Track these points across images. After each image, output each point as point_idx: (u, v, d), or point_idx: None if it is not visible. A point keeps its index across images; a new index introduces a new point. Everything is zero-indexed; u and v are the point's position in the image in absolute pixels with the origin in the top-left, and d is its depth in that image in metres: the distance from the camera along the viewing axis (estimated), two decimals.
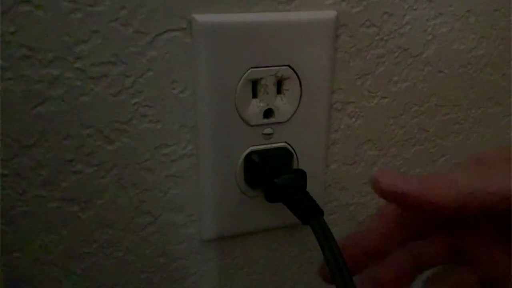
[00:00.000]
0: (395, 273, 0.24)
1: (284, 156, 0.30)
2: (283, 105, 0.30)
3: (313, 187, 0.28)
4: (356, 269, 0.24)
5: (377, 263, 0.24)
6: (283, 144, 0.31)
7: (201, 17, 0.26)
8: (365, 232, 0.24)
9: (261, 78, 0.28)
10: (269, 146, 0.30)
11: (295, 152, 0.31)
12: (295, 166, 0.32)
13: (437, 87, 0.36)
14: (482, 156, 0.24)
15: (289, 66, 0.29)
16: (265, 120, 0.30)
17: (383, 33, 0.32)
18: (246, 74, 0.28)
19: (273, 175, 0.28)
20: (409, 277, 0.24)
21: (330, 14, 0.29)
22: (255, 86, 0.29)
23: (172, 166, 0.30)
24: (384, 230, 0.24)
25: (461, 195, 0.20)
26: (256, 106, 0.29)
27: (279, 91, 0.29)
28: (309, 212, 0.24)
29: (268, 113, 0.30)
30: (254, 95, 0.29)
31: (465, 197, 0.20)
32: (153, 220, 0.31)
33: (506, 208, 0.20)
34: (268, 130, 0.30)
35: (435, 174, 0.21)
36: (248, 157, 0.30)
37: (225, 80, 0.28)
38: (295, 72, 0.29)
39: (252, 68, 0.28)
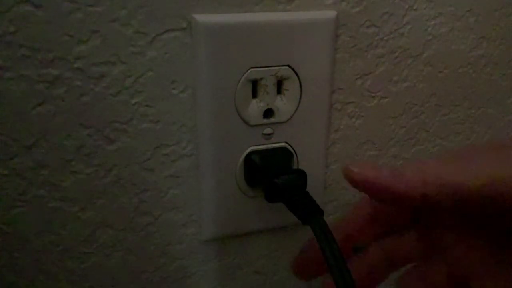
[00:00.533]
0: (367, 270, 0.24)
1: (284, 156, 0.30)
2: (283, 105, 0.30)
3: (313, 187, 0.28)
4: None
5: (350, 258, 0.24)
6: (283, 144, 0.31)
7: (201, 17, 0.26)
8: (340, 225, 0.24)
9: (261, 78, 0.28)
10: (269, 146, 0.30)
11: (295, 152, 0.31)
12: (295, 166, 0.32)
13: (437, 87, 0.36)
14: (467, 147, 0.23)
15: (289, 66, 0.29)
16: (265, 120, 0.30)
17: (383, 33, 0.32)
18: (246, 74, 0.28)
19: (273, 175, 0.28)
20: (382, 274, 0.24)
21: (330, 14, 0.29)
22: (255, 86, 0.29)
23: (172, 166, 0.30)
24: (358, 223, 0.24)
25: (429, 184, 0.19)
26: (256, 106, 0.29)
27: (279, 91, 0.29)
28: (309, 212, 0.24)
29: (268, 113, 0.30)
30: (254, 95, 0.29)
31: (433, 187, 0.19)
32: (153, 220, 0.31)
33: (477, 203, 0.19)
34: (268, 130, 0.30)
35: (408, 164, 0.21)
36: (248, 157, 0.30)
37: (225, 80, 0.28)
38: (295, 72, 0.29)
39: (252, 68, 0.28)
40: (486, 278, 0.22)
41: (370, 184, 0.20)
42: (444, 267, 0.24)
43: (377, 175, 0.20)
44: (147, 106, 0.28)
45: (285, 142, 0.31)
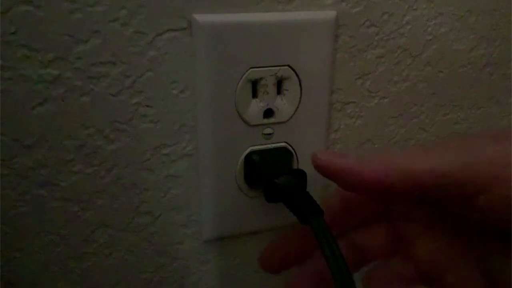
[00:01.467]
0: None
1: (284, 156, 0.30)
2: (283, 105, 0.30)
3: (313, 187, 0.28)
4: (300, 259, 0.24)
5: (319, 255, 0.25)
6: (283, 144, 0.31)
7: (201, 17, 0.26)
8: None
9: (261, 78, 0.28)
10: (269, 146, 0.30)
11: (295, 152, 0.31)
12: (295, 166, 0.32)
13: (437, 87, 0.36)
14: (436, 141, 0.24)
15: (289, 66, 0.29)
16: (265, 120, 0.30)
17: (383, 33, 0.32)
18: (246, 74, 0.28)
19: (273, 175, 0.28)
20: (351, 269, 0.24)
21: (330, 14, 0.29)
22: (255, 86, 0.29)
23: (172, 166, 0.30)
24: (327, 217, 0.24)
25: (393, 171, 0.20)
26: (256, 106, 0.29)
27: (279, 91, 0.29)
28: (309, 212, 0.24)
29: (268, 113, 0.30)
30: (254, 95, 0.29)
31: (396, 174, 0.20)
32: (153, 220, 0.31)
33: (438, 190, 0.20)
34: (268, 130, 0.30)
35: (374, 153, 0.21)
36: (248, 157, 0.30)
37: (225, 80, 0.28)
38: (295, 72, 0.29)
39: (252, 68, 0.28)
40: (452, 271, 0.22)
41: (336, 170, 0.21)
42: (412, 261, 0.24)
43: (343, 162, 0.21)
44: (147, 106, 0.28)
45: (285, 142, 0.31)
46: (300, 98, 0.30)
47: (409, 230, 0.24)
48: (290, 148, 0.31)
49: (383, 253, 0.25)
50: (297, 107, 0.30)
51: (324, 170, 0.22)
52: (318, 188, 0.34)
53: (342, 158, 0.21)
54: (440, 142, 0.22)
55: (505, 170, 0.19)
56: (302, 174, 0.28)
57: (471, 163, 0.19)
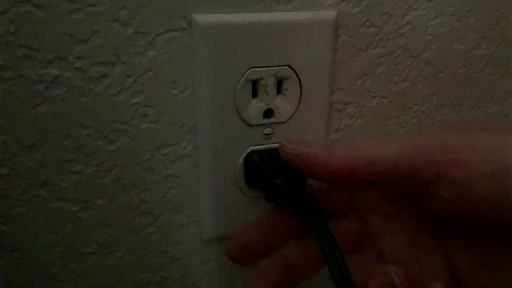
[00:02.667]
0: (304, 257, 0.25)
1: None
2: (283, 105, 0.30)
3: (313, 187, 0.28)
4: (269, 251, 0.25)
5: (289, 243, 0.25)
6: None
7: (201, 17, 0.26)
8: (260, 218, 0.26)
9: (261, 78, 0.28)
10: (269, 146, 0.30)
11: None
12: None
13: (437, 87, 0.36)
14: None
15: (289, 66, 0.29)
16: (265, 120, 0.30)
17: (383, 33, 0.32)
18: (246, 74, 0.28)
19: (273, 175, 0.27)
20: (321, 261, 0.25)
21: (330, 14, 0.29)
22: (255, 86, 0.29)
23: (172, 166, 0.30)
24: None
25: (354, 158, 0.21)
26: (256, 106, 0.29)
27: (279, 91, 0.29)
28: (309, 212, 0.24)
29: (268, 113, 0.30)
30: (254, 95, 0.29)
31: (357, 161, 0.21)
32: (153, 220, 0.31)
33: (398, 176, 0.21)
34: (268, 130, 0.30)
35: (338, 143, 0.22)
36: (248, 157, 0.30)
37: (225, 80, 0.28)
38: (295, 72, 0.29)
39: (252, 68, 0.28)
40: (415, 260, 0.23)
41: (302, 158, 0.23)
42: (377, 252, 0.25)
43: (309, 151, 0.22)
44: (147, 106, 0.28)
45: None
46: (300, 98, 0.30)
47: (375, 222, 0.25)
48: None
49: (352, 247, 0.25)
50: (297, 107, 0.30)
51: (290, 158, 0.23)
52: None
53: (308, 147, 0.23)
54: (403, 133, 0.23)
55: (463, 154, 0.19)
56: (302, 174, 0.28)
57: (427, 147, 0.20)
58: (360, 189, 0.25)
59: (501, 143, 0.19)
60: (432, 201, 0.21)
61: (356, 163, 0.21)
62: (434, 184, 0.20)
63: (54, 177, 0.27)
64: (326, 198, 0.25)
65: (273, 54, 0.28)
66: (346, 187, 0.25)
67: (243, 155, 0.30)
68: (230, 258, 0.26)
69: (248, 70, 0.28)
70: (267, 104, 0.29)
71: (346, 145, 0.22)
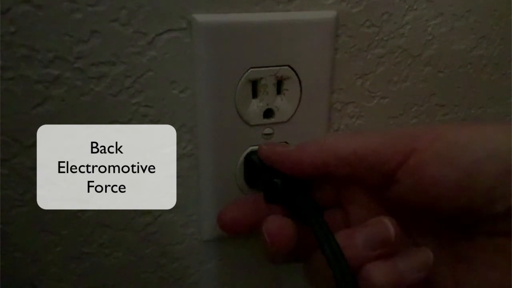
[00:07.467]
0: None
1: None
2: (283, 105, 0.30)
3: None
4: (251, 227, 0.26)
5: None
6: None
7: (201, 17, 0.26)
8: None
9: (261, 78, 0.28)
10: None
11: None
12: None
13: (437, 87, 0.36)
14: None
15: (289, 66, 0.29)
16: (265, 120, 0.30)
17: (383, 33, 0.32)
18: (246, 74, 0.28)
19: (273, 175, 0.27)
20: None
21: (330, 14, 0.29)
22: (255, 86, 0.29)
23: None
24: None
25: (326, 153, 0.23)
26: (256, 106, 0.29)
27: (279, 91, 0.29)
28: (308, 212, 0.24)
29: (268, 113, 0.30)
30: (254, 95, 0.29)
31: (329, 155, 0.22)
32: (153, 220, 0.31)
33: (366, 168, 0.22)
34: (268, 130, 0.30)
35: (311, 140, 0.24)
36: (248, 157, 0.30)
37: (225, 80, 0.28)
38: (295, 72, 0.29)
39: (252, 68, 0.28)
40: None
41: (277, 157, 0.24)
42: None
43: (282, 149, 0.24)
44: (147, 106, 0.28)
45: (285, 142, 0.31)
46: (300, 98, 0.30)
47: (353, 212, 0.25)
48: None
49: None
50: (297, 107, 0.30)
51: (267, 158, 0.25)
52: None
53: (282, 147, 0.24)
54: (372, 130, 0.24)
55: (423, 142, 0.21)
56: None
57: (394, 139, 0.22)
58: (342, 182, 0.26)
59: (469, 133, 0.20)
60: (397, 189, 0.22)
61: (326, 158, 0.22)
62: (397, 172, 0.21)
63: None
64: (314, 194, 0.26)
65: (273, 54, 0.28)
66: (330, 182, 0.26)
67: (243, 155, 0.30)
68: (219, 222, 0.26)
69: (248, 70, 0.28)
70: (267, 104, 0.29)
71: (318, 141, 0.23)
